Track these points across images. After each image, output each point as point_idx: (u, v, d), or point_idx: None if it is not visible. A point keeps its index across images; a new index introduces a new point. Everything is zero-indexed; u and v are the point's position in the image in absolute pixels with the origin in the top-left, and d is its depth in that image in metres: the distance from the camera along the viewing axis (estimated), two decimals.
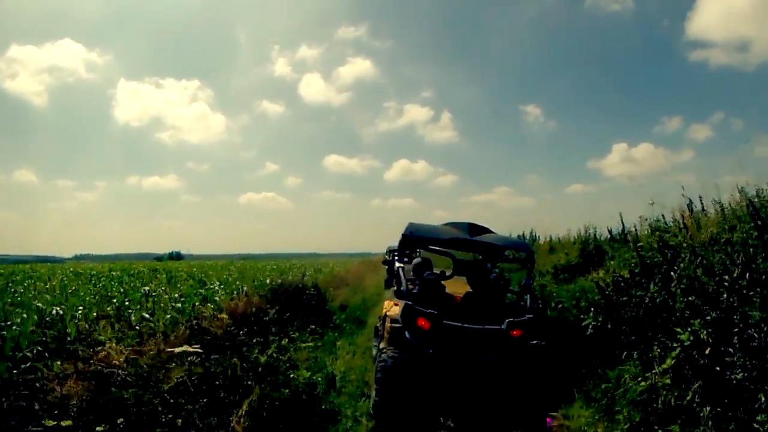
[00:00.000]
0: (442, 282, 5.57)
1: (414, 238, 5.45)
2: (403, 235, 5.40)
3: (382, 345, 5.22)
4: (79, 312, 6.98)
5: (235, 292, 10.65)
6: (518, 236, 14.77)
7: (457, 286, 5.80)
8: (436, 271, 6.15)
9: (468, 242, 5.55)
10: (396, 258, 6.08)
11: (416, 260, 6.28)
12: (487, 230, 5.72)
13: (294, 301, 10.32)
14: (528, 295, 5.38)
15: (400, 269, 5.50)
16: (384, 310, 5.94)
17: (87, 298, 8.85)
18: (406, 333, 4.78)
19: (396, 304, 5.37)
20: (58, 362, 4.79)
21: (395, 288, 5.75)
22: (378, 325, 6.47)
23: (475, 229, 5.59)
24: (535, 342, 5.01)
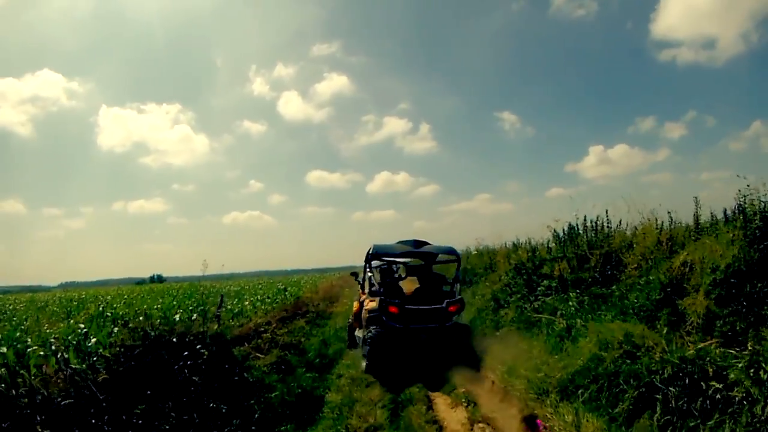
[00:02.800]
0: (401, 281, 8.21)
1: (376, 255, 7.89)
2: (368, 253, 7.76)
3: (364, 330, 7.40)
4: None
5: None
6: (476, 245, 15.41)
7: (409, 284, 8.09)
8: (397, 275, 8.76)
9: (413, 252, 7.97)
10: (366, 269, 8.01)
11: (383, 268, 8.72)
12: (426, 243, 8.10)
13: (163, 373, 5.14)
14: (458, 284, 8.03)
15: (370, 276, 7.95)
16: (354, 309, 8.59)
17: None
18: (383, 317, 7.06)
19: (372, 301, 7.50)
20: None
21: (368, 290, 7.87)
22: (350, 320, 9.13)
23: (418, 243, 8.00)
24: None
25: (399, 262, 8.94)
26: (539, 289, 8.26)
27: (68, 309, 15.19)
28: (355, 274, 9.49)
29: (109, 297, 20.22)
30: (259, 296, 17.91)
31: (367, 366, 6.88)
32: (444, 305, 7.23)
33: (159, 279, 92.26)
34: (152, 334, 5.99)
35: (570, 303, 6.88)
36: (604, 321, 5.71)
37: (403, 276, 8.59)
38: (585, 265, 8.19)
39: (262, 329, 10.35)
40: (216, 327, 7.03)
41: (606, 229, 8.46)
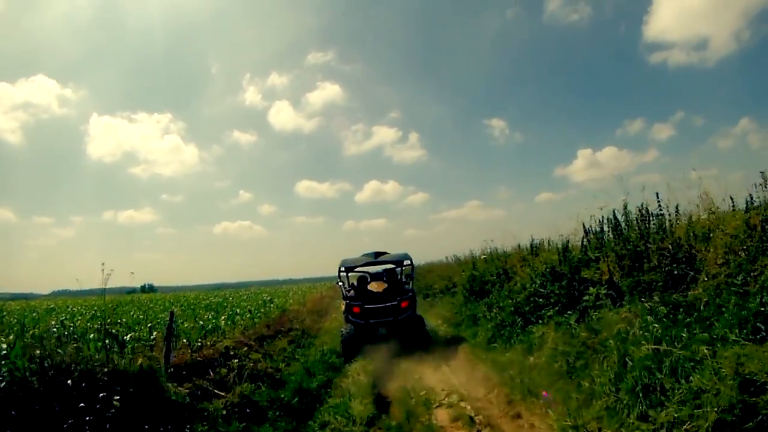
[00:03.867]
0: (369, 285, 9.49)
1: (348, 268, 10.01)
2: (339, 268, 9.80)
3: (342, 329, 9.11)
4: None
5: None
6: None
7: (380, 285, 9.39)
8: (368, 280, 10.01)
9: (374, 262, 9.68)
10: (340, 282, 9.85)
11: (360, 275, 10.16)
12: (384, 253, 9.70)
13: None
14: (411, 282, 9.79)
15: (342, 285, 9.91)
16: (342, 311, 9.55)
17: None
18: (349, 316, 8.99)
19: (343, 304, 9.36)
20: None
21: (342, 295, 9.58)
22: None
23: (378, 254, 9.65)
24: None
25: (363, 272, 10.45)
26: (585, 298, 6.24)
27: (24, 320, 13.00)
28: (338, 284, 10.43)
29: (80, 307, 17.98)
30: (239, 309, 15.68)
31: (343, 356, 8.35)
32: (396, 302, 8.64)
33: (150, 288, 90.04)
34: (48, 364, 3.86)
35: (644, 318, 4.85)
36: (716, 346, 3.72)
37: (369, 281, 9.79)
38: (643, 265, 6.22)
39: (233, 352, 8.22)
40: (139, 361, 4.75)
41: (664, 218, 6.48)
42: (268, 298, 20.87)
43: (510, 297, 8.63)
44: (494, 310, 8.70)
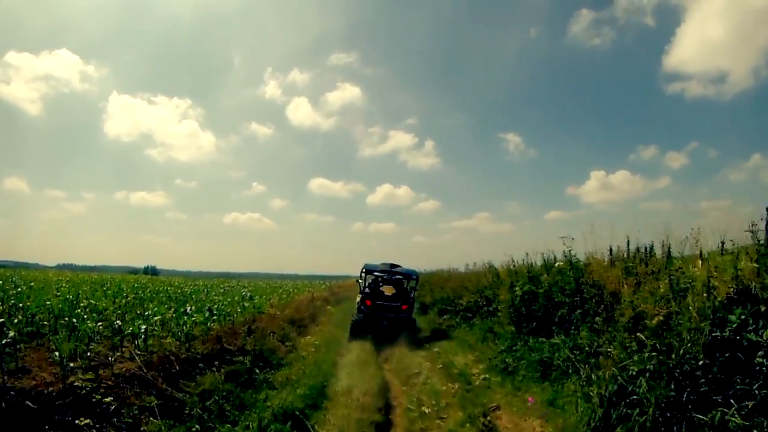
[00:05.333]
0: (381, 287, 10.99)
1: (368, 271, 11.33)
2: (361, 270, 11.35)
3: (355, 314, 10.96)
4: None
5: None
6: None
7: (390, 289, 10.88)
8: (381, 284, 11.41)
9: (388, 272, 11.31)
10: (360, 279, 11.57)
11: (375, 278, 11.52)
12: (398, 266, 11.45)
13: None
14: (413, 293, 11.32)
15: (361, 283, 11.52)
16: (356, 301, 11.60)
17: None
18: (362, 307, 10.67)
19: (360, 296, 11.18)
20: None
21: (360, 290, 11.46)
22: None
23: (392, 266, 11.40)
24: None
25: (379, 276, 11.50)
26: None
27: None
28: (357, 282, 12.14)
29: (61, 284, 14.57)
30: (194, 306, 11.62)
31: (349, 336, 10.03)
32: (399, 304, 10.59)
33: (153, 271, 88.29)
34: None
35: None
36: None
37: (381, 284, 11.25)
38: None
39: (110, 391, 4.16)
40: None
41: None
42: (248, 294, 16.88)
43: (608, 368, 4.28)
44: (602, 368, 4.36)
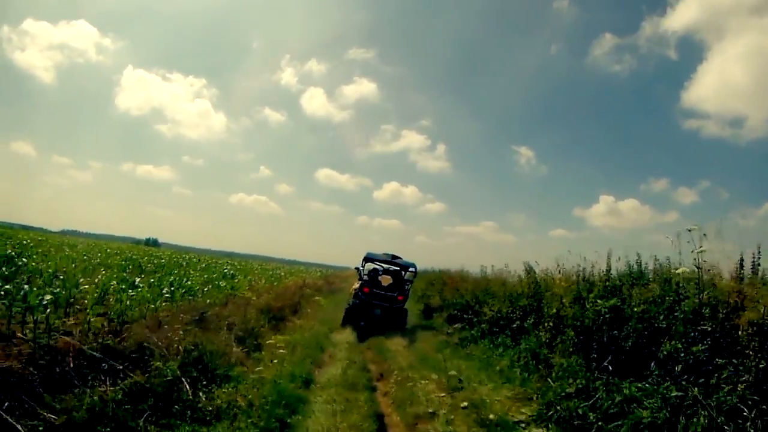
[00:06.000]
0: (379, 276, 11.09)
1: (369, 259, 11.25)
2: (364, 258, 11.24)
3: (350, 299, 11.02)
4: None
5: None
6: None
7: (387, 279, 11.04)
8: (380, 273, 11.43)
9: (389, 262, 11.39)
10: (361, 268, 11.26)
11: (373, 267, 11.51)
12: (398, 257, 11.43)
13: None
14: (410, 284, 11.45)
15: (361, 270, 11.24)
16: (353, 288, 11.60)
17: None
18: (359, 293, 10.55)
19: (358, 283, 11.12)
20: None
21: (359, 277, 11.29)
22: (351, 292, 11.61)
23: (393, 257, 11.39)
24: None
25: (379, 265, 11.60)
26: None
27: None
28: (357, 269, 11.56)
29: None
30: (157, 281, 9.21)
31: (342, 321, 10.14)
32: (395, 294, 10.50)
33: (154, 242, 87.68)
34: None
35: None
36: None
37: (381, 273, 11.29)
38: None
39: None
40: None
41: None
42: (229, 273, 14.49)
43: None
44: None
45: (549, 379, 5.16)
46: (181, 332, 5.62)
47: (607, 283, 5.67)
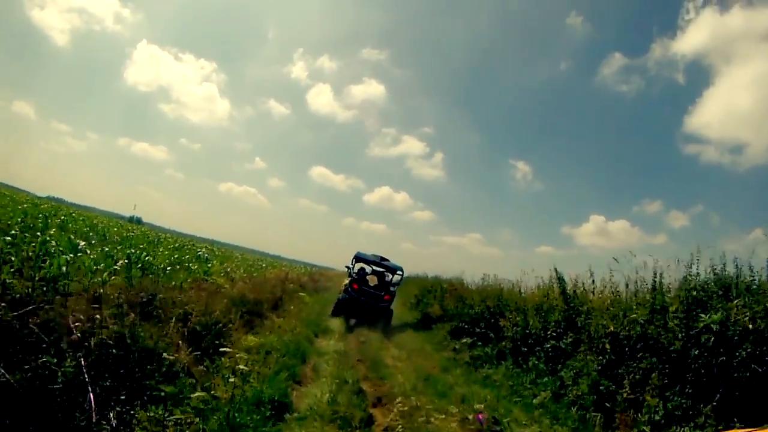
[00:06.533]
0: (367, 276, 11.77)
1: (359, 258, 11.61)
2: (354, 257, 11.63)
3: (340, 293, 11.47)
4: None
5: None
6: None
7: (374, 279, 11.82)
8: (369, 272, 12.11)
9: (378, 263, 11.71)
10: (351, 266, 11.65)
11: (361, 267, 11.86)
12: (387, 260, 11.69)
13: None
14: (396, 286, 11.69)
15: (350, 268, 11.61)
16: (343, 283, 11.99)
17: None
18: (349, 288, 11.02)
19: (348, 280, 11.59)
20: None
21: (349, 274, 11.71)
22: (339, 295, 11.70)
23: (382, 259, 11.65)
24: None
25: (368, 265, 11.98)
26: None
27: None
28: (347, 267, 11.90)
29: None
30: (115, 252, 7.42)
31: (332, 312, 10.44)
32: (382, 294, 11.00)
33: (138, 221, 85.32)
34: None
35: None
36: None
37: (369, 273, 11.97)
38: None
39: None
40: None
41: None
42: (204, 256, 12.67)
43: None
44: None
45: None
46: (107, 317, 3.88)
47: (695, 293, 4.11)
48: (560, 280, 7.52)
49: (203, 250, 14.37)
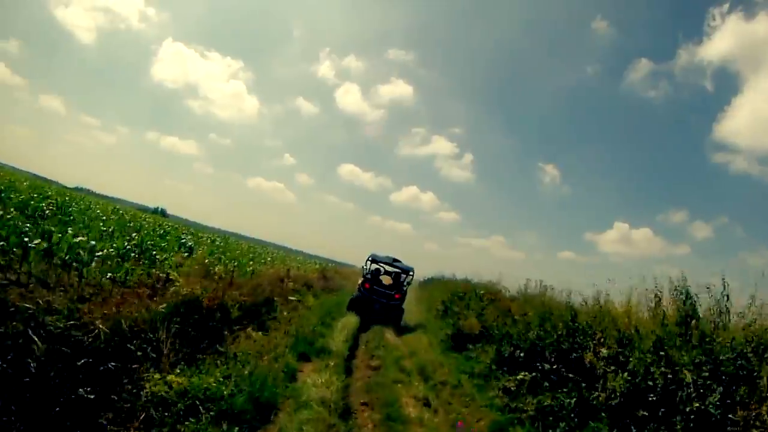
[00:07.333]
0: (381, 276, 12.21)
1: (373, 259, 12.08)
2: (368, 258, 12.13)
3: (355, 292, 11.82)
4: None
5: None
6: None
7: (388, 279, 12.37)
8: (382, 273, 12.54)
9: (391, 264, 12.15)
10: (365, 266, 12.15)
11: (375, 267, 12.24)
12: (398, 261, 12.11)
13: None
14: (407, 285, 12.06)
15: (365, 268, 12.12)
16: (358, 283, 12.03)
17: None
18: (361, 288, 11.52)
19: (361, 279, 11.97)
20: None
21: (362, 274, 12.11)
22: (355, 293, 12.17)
23: (394, 260, 12.08)
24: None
25: (381, 266, 12.40)
26: None
27: None
28: (363, 267, 12.43)
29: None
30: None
31: (347, 308, 10.68)
32: (393, 293, 11.44)
33: (162, 212, 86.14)
34: None
35: None
36: None
37: (383, 273, 12.41)
38: None
39: None
40: None
41: None
42: (187, 243, 10.41)
43: None
44: None
45: None
46: None
47: None
48: (686, 296, 4.72)
49: (187, 237, 12.16)
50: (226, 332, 5.37)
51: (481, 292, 10.84)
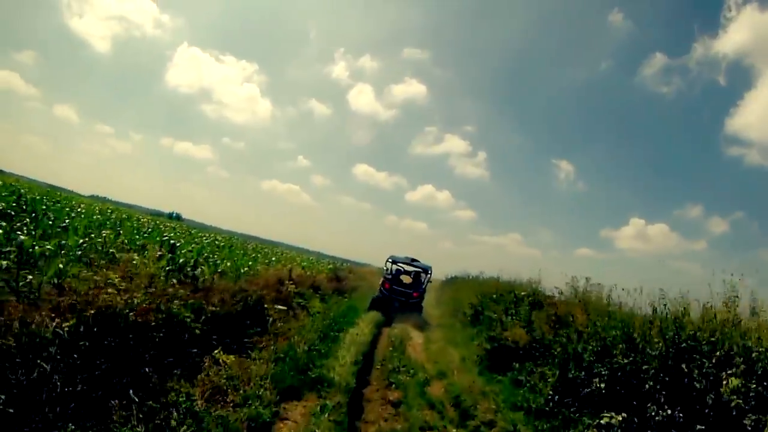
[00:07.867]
0: (401, 276, 12.88)
1: (392, 260, 12.88)
2: (387, 260, 12.97)
3: (378, 292, 12.52)
4: None
5: None
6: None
7: (407, 279, 12.86)
8: (402, 273, 13.26)
9: (410, 264, 12.88)
10: (386, 267, 13.07)
11: (396, 268, 13.03)
12: (416, 260, 12.86)
13: None
14: (426, 284, 12.68)
15: (386, 270, 13.01)
16: (380, 283, 12.78)
17: None
18: (381, 288, 12.33)
19: (382, 279, 12.83)
20: None
21: (383, 275, 13.03)
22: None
23: (413, 260, 12.84)
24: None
25: (400, 266, 13.20)
26: None
27: None
28: (384, 268, 13.47)
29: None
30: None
31: (368, 308, 11.12)
32: (412, 291, 12.20)
33: (177, 217, 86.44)
34: None
35: None
36: None
37: (403, 273, 13.08)
38: None
39: None
40: None
41: None
42: (170, 240, 8.88)
43: None
44: None
45: None
46: None
47: None
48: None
49: (169, 234, 10.63)
50: (172, 359, 3.69)
51: (521, 293, 8.89)
